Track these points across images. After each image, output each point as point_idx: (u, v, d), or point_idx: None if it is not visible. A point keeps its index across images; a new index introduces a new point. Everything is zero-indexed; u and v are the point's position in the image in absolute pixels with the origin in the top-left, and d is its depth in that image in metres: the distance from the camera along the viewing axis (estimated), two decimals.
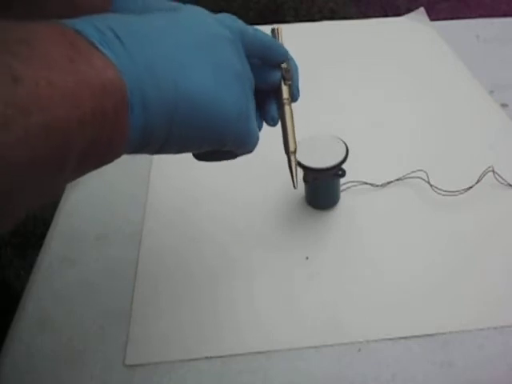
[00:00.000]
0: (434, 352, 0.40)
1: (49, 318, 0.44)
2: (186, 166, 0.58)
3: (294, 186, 0.39)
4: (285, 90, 0.37)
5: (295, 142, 0.38)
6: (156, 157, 0.60)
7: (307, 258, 0.47)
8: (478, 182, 0.52)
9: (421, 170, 0.54)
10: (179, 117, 0.28)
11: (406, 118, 0.65)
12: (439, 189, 0.52)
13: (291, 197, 0.53)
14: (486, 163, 0.53)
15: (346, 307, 0.43)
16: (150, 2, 0.36)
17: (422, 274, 0.45)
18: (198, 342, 0.41)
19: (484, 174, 0.52)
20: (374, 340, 0.41)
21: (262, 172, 0.57)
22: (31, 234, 1.32)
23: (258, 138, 0.35)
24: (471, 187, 0.52)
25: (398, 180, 0.54)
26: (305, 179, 0.50)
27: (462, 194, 0.51)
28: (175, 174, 0.58)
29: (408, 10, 0.91)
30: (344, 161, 0.47)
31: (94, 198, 0.55)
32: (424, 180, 0.53)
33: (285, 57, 0.37)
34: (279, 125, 0.39)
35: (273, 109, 0.38)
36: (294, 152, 0.38)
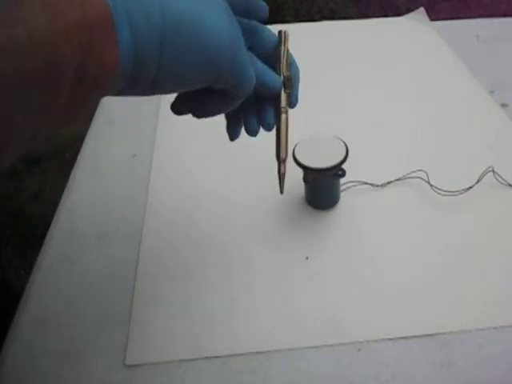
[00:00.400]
0: (434, 352, 0.40)
1: (49, 318, 0.44)
2: (186, 167, 0.59)
3: (281, 192, 0.39)
4: (283, 97, 0.37)
5: (287, 151, 0.39)
6: (156, 157, 0.60)
7: (307, 258, 0.47)
8: (478, 182, 0.52)
9: (421, 170, 0.54)
10: (169, 40, 0.28)
11: (406, 118, 0.65)
12: (439, 189, 0.52)
13: (291, 197, 0.53)
14: (486, 163, 0.53)
15: (346, 307, 0.43)
16: None
17: (421, 274, 0.45)
18: (197, 341, 0.41)
19: (484, 173, 0.52)
20: (373, 340, 0.41)
21: (262, 172, 0.57)
22: (31, 234, 1.33)
23: (253, 77, 0.34)
24: (471, 187, 0.52)
25: (398, 180, 0.54)
26: (305, 179, 0.50)
27: (462, 193, 0.52)
28: (175, 174, 0.58)
29: (408, 10, 0.91)
30: (344, 161, 0.47)
31: (94, 198, 0.55)
32: (424, 180, 0.53)
33: (265, 12, 0.37)
34: None
35: (269, 116, 0.38)
36: (285, 160, 0.39)
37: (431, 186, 0.52)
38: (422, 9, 0.90)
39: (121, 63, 0.27)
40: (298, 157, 0.48)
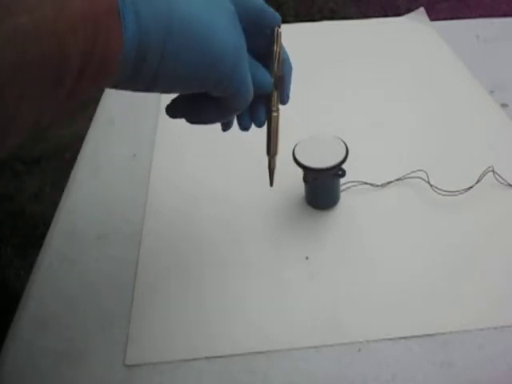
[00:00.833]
0: (434, 352, 0.40)
1: (49, 318, 0.44)
2: (186, 167, 0.59)
3: (271, 185, 0.41)
4: (275, 96, 0.38)
5: (277, 148, 0.40)
6: (156, 157, 0.60)
7: (307, 258, 0.47)
8: (478, 182, 0.52)
9: (421, 170, 0.54)
10: (173, 37, 0.28)
11: (406, 118, 0.65)
12: (439, 189, 0.52)
13: (291, 197, 0.53)
14: (486, 163, 0.53)
15: (346, 307, 0.43)
16: None
17: (422, 274, 0.45)
18: (197, 341, 0.41)
19: (484, 173, 0.52)
20: (373, 340, 0.41)
21: (262, 172, 0.56)
22: (31, 234, 1.33)
23: (252, 88, 0.35)
24: (471, 187, 0.52)
25: (398, 180, 0.54)
26: (305, 179, 0.50)
27: (462, 193, 0.52)
28: (175, 174, 0.58)
29: (408, 10, 0.91)
30: (344, 161, 0.47)
31: (94, 198, 0.55)
32: (424, 180, 0.53)
33: (278, 22, 0.37)
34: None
35: (261, 114, 0.38)
36: (274, 155, 0.40)
37: (431, 186, 0.52)
38: (421, 9, 0.90)
39: (125, 52, 0.27)
40: (298, 157, 0.48)
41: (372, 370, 0.39)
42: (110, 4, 0.26)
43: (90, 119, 0.68)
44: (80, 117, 0.86)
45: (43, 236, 0.51)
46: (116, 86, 0.30)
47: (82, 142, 0.64)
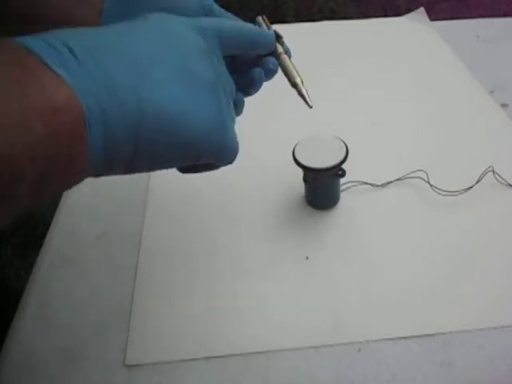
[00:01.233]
0: (434, 352, 0.40)
1: (49, 318, 0.44)
2: None
3: (310, 106, 0.39)
4: (279, 47, 0.39)
5: (299, 74, 0.39)
6: None
7: (307, 258, 0.47)
8: (478, 182, 0.52)
9: (421, 170, 0.54)
10: (145, 131, 0.27)
11: (406, 118, 0.65)
12: (439, 189, 0.52)
13: (291, 197, 0.53)
14: (486, 163, 0.53)
15: (346, 307, 0.43)
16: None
17: (422, 274, 0.45)
18: (197, 342, 0.41)
19: (484, 174, 0.52)
20: (373, 340, 0.41)
21: (261, 172, 0.57)
22: (31, 234, 1.32)
23: (237, 148, 0.34)
24: (471, 187, 0.52)
25: (398, 180, 0.54)
26: (305, 179, 0.50)
27: (462, 193, 0.51)
28: (175, 174, 0.58)
29: (408, 10, 0.91)
30: (344, 161, 0.47)
31: (94, 198, 0.55)
32: (424, 180, 0.53)
33: (272, 44, 0.37)
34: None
35: (272, 61, 0.38)
36: (301, 82, 0.39)
37: (431, 186, 0.52)
38: (421, 9, 0.90)
39: (91, 160, 0.26)
40: (298, 157, 0.48)
41: (372, 370, 0.39)
42: (76, 120, 0.24)
43: None
44: None
45: (43, 236, 0.51)
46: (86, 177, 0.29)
47: None
